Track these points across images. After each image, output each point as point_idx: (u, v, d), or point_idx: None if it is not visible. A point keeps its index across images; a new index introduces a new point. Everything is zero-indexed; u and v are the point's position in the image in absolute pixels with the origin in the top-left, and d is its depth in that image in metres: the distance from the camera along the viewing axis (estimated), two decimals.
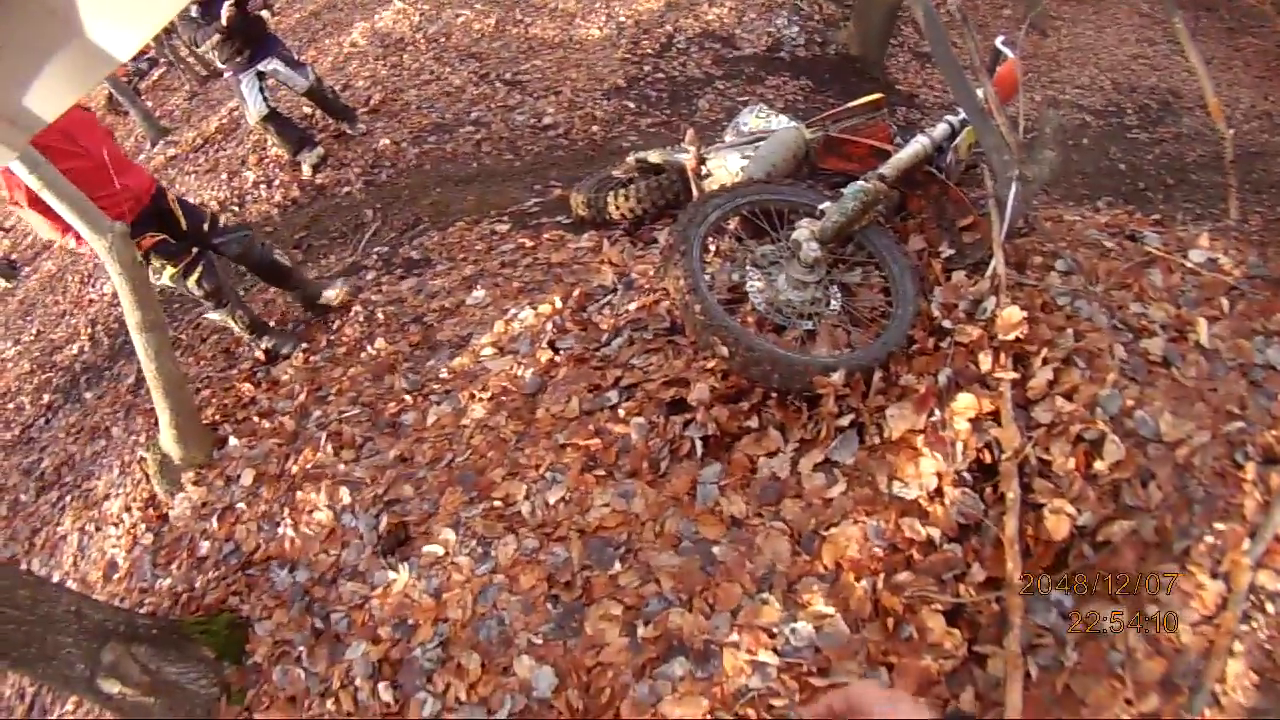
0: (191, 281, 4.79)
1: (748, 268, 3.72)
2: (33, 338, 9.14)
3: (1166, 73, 12.24)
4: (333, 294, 5.37)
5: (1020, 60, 4.21)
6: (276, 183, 8.22)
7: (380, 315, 5.00)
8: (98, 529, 5.00)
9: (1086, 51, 12.84)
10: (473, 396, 3.93)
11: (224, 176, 8.86)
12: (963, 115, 3.99)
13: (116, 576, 4.38)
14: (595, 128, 8.30)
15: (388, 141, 8.15)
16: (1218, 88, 10.01)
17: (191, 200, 6.14)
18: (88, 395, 6.96)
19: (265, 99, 7.73)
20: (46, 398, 7.68)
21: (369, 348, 4.73)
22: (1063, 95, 11.24)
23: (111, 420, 6.25)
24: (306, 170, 8.12)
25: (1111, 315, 3.20)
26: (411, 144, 8.08)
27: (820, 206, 3.70)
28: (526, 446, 3.52)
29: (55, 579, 5.02)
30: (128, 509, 4.74)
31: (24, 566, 5.54)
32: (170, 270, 4.73)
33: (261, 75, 7.64)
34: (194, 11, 7.22)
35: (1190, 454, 2.70)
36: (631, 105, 8.91)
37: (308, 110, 8.91)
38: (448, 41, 10.92)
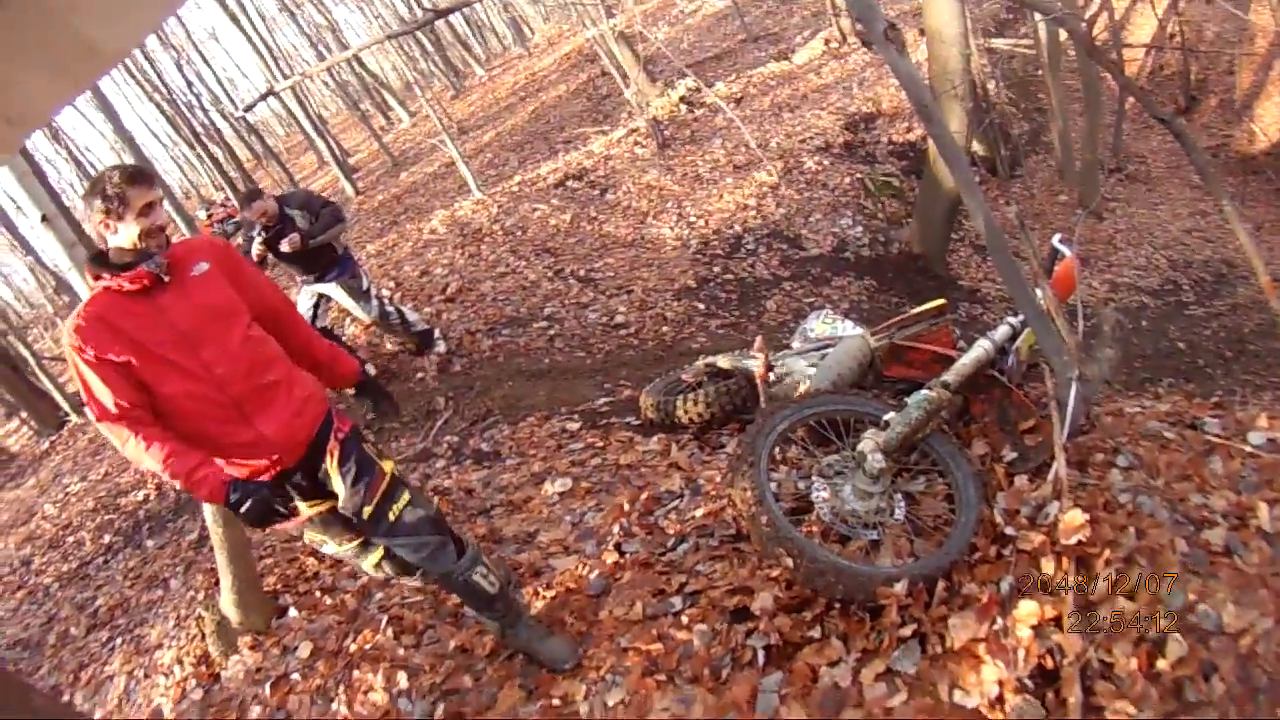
0: (370, 564, 3.69)
1: (813, 477, 3.84)
2: (99, 477, 9.44)
3: (1220, 244, 12.53)
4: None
5: (1077, 257, 4.38)
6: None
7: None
8: (146, 676, 5.10)
9: (1142, 231, 13.14)
10: (536, 594, 4.06)
11: None
12: (1023, 317, 4.14)
13: None
14: (665, 328, 8.60)
15: (463, 330, 8.47)
16: (1269, 255, 10.13)
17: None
18: (149, 543, 7.18)
19: (316, 318, 7.68)
20: (107, 538, 7.92)
21: None
22: (1120, 278, 11.49)
23: (171, 572, 6.43)
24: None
25: (1173, 509, 3.26)
26: (486, 335, 8.42)
27: (885, 416, 3.83)
28: (589, 647, 3.63)
29: (97, 715, 5.12)
30: (179, 661, 4.84)
31: (66, 699, 5.66)
32: (342, 547, 3.62)
33: (323, 298, 7.70)
34: (256, 234, 7.27)
35: (1254, 643, 2.73)
36: (701, 306, 9.22)
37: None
38: (524, 235, 11.38)
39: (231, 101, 35.09)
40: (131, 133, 16.75)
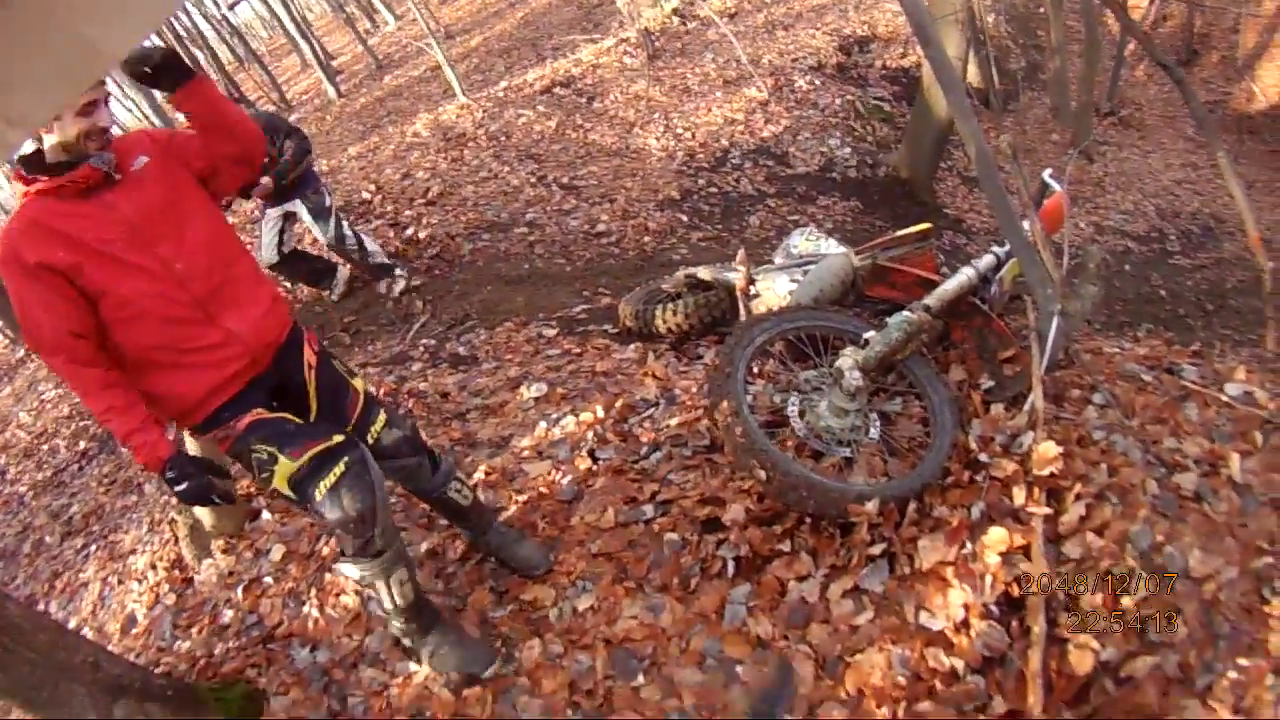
0: (322, 489, 2.87)
1: (790, 392, 3.84)
2: None
3: (1209, 198, 12.55)
4: None
5: (1066, 194, 4.34)
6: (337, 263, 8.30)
7: (423, 408, 5.15)
8: (120, 582, 5.12)
9: (1131, 176, 13.13)
10: (510, 498, 4.03)
11: None
12: (1008, 247, 4.12)
13: (134, 631, 4.46)
14: (647, 238, 8.53)
15: (443, 234, 8.38)
16: (1259, 214, 10.18)
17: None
18: (123, 449, 7.15)
19: (282, 243, 7.35)
20: (82, 444, 7.88)
21: None
22: (1107, 221, 11.52)
23: (144, 477, 6.41)
24: (335, 297, 7.91)
25: (1146, 450, 3.28)
26: (466, 239, 8.34)
27: (865, 335, 3.81)
28: (559, 552, 3.62)
29: (72, 624, 5.12)
30: (153, 566, 4.85)
31: (41, 608, 5.66)
32: (285, 466, 2.88)
33: (289, 216, 7.32)
34: None
35: (1217, 589, 2.75)
36: (684, 218, 9.16)
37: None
38: (508, 140, 11.27)
39: (214, 2, 34.31)
40: None
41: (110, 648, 4.33)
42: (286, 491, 2.91)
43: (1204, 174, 13.37)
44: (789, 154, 11.20)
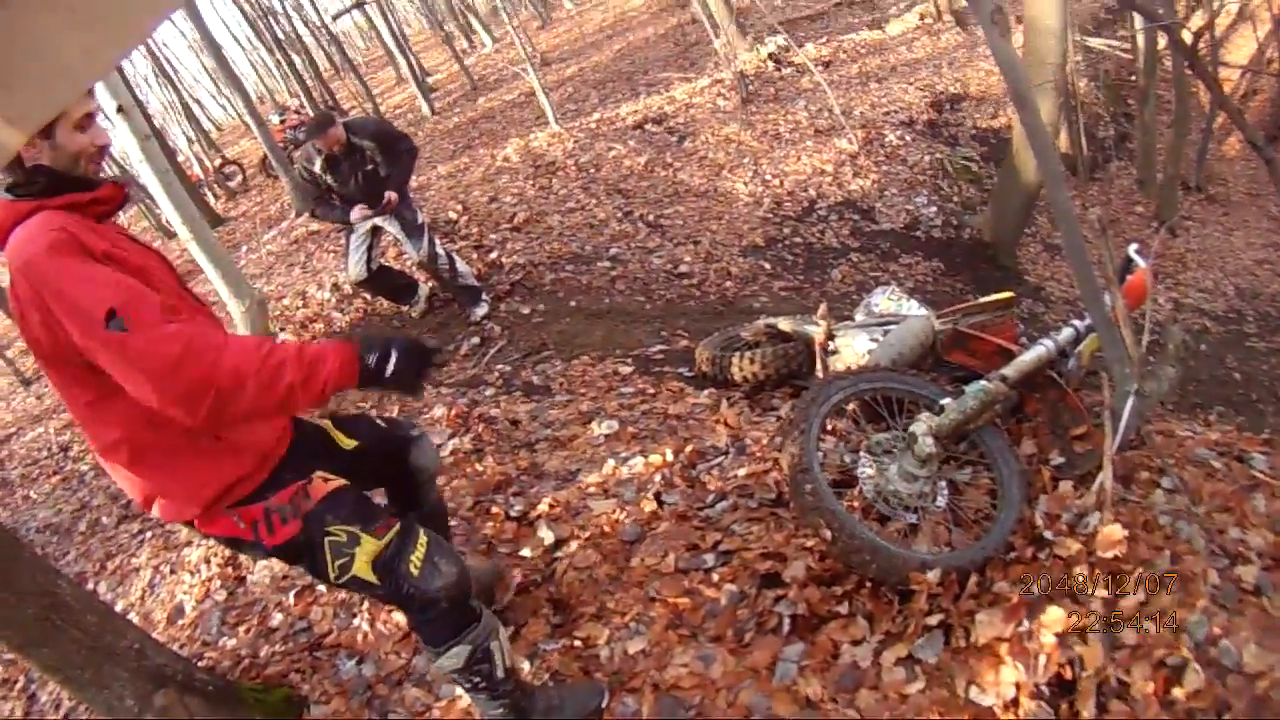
0: (415, 563, 2.61)
1: (861, 453, 3.85)
2: None
3: None
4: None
5: (1150, 270, 4.32)
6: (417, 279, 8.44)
7: (492, 434, 5.23)
8: (172, 572, 5.21)
9: (1213, 254, 13.04)
10: (572, 533, 4.09)
11: None
12: (1088, 321, 4.09)
13: (181, 622, 4.56)
14: (729, 283, 8.59)
15: (525, 261, 8.50)
16: None
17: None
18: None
19: (370, 260, 7.34)
20: None
21: (477, 464, 4.93)
22: (1186, 299, 11.42)
23: None
24: (415, 314, 8.03)
25: (1210, 539, 3.23)
26: (549, 269, 8.44)
27: (941, 401, 3.82)
28: (616, 592, 3.66)
29: (119, 607, 5.23)
30: (207, 561, 4.94)
31: (89, 587, 5.79)
32: (371, 546, 2.57)
33: (377, 230, 7.32)
34: (317, 165, 6.89)
35: (1270, 686, 2.72)
36: (767, 266, 9.21)
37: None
38: (597, 173, 11.41)
39: (315, 9, 35.10)
40: (212, 32, 16.80)
41: (155, 634, 4.44)
42: (367, 576, 2.56)
43: None
44: (875, 209, 11.24)
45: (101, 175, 2.42)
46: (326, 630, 3.98)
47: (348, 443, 2.82)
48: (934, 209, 11.41)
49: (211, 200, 21.36)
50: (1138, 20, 13.57)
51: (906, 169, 12.25)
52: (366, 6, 25.14)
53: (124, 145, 5.41)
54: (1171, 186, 13.39)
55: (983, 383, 3.79)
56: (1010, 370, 3.92)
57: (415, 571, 2.59)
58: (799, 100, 14.50)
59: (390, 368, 2.35)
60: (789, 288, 8.88)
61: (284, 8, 30.71)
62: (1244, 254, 13.24)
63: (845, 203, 11.23)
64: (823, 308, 5.05)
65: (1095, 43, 16.90)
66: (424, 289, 7.99)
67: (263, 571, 4.51)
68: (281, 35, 28.33)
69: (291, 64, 26.00)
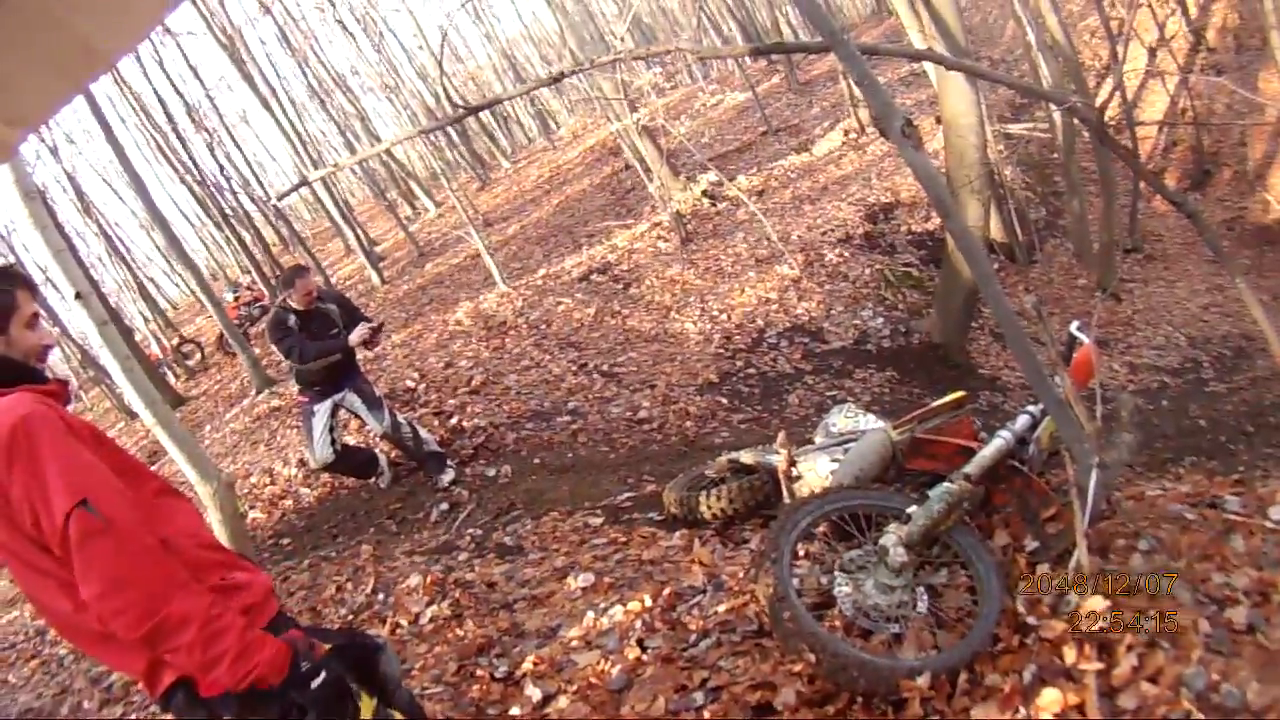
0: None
1: (835, 572, 3.92)
2: None
3: (1238, 318, 12.67)
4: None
5: (1095, 342, 4.47)
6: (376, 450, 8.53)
7: (470, 599, 5.27)
8: None
9: (1159, 310, 13.39)
10: (559, 688, 4.13)
11: None
12: (1043, 405, 4.22)
13: None
14: (689, 423, 8.72)
15: (486, 424, 8.60)
16: None
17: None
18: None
19: (334, 440, 7.34)
20: None
21: (457, 628, 4.96)
22: (1140, 359, 11.70)
23: None
24: (384, 484, 8.06)
25: (1195, 590, 3.31)
26: (510, 428, 8.55)
27: (907, 510, 3.90)
28: None
29: None
30: None
31: None
32: (368, 706, 2.61)
33: (335, 409, 7.34)
34: (290, 320, 6.94)
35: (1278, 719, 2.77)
36: (724, 401, 9.36)
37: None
38: (548, 328, 11.61)
39: (260, 185, 35.69)
40: (162, 211, 17.14)
41: None
42: None
43: (1230, 294, 13.39)
44: (823, 329, 11.46)
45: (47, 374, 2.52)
46: None
47: (320, 646, 2.75)
48: (880, 320, 11.66)
49: (172, 379, 21.32)
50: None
51: (849, 285, 12.56)
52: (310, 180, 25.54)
53: (83, 330, 5.53)
54: (1109, 253, 13.75)
55: (946, 485, 3.89)
56: (972, 468, 4.05)
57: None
58: (737, 232, 14.89)
59: (316, 683, 2.42)
60: (748, 419, 9.02)
61: (229, 185, 31.14)
62: (1189, 303, 13.61)
63: (794, 328, 11.45)
64: (781, 436, 5.18)
65: (1015, 129, 17.54)
66: (383, 457, 8.06)
67: None
68: (229, 211, 28.66)
69: (240, 239, 26.27)
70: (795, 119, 22.99)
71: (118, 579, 2.17)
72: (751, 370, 10.36)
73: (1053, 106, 13.84)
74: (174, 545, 2.37)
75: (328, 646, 2.61)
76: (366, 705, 2.63)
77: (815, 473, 5.03)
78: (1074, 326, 4.69)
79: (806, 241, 13.78)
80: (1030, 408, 4.45)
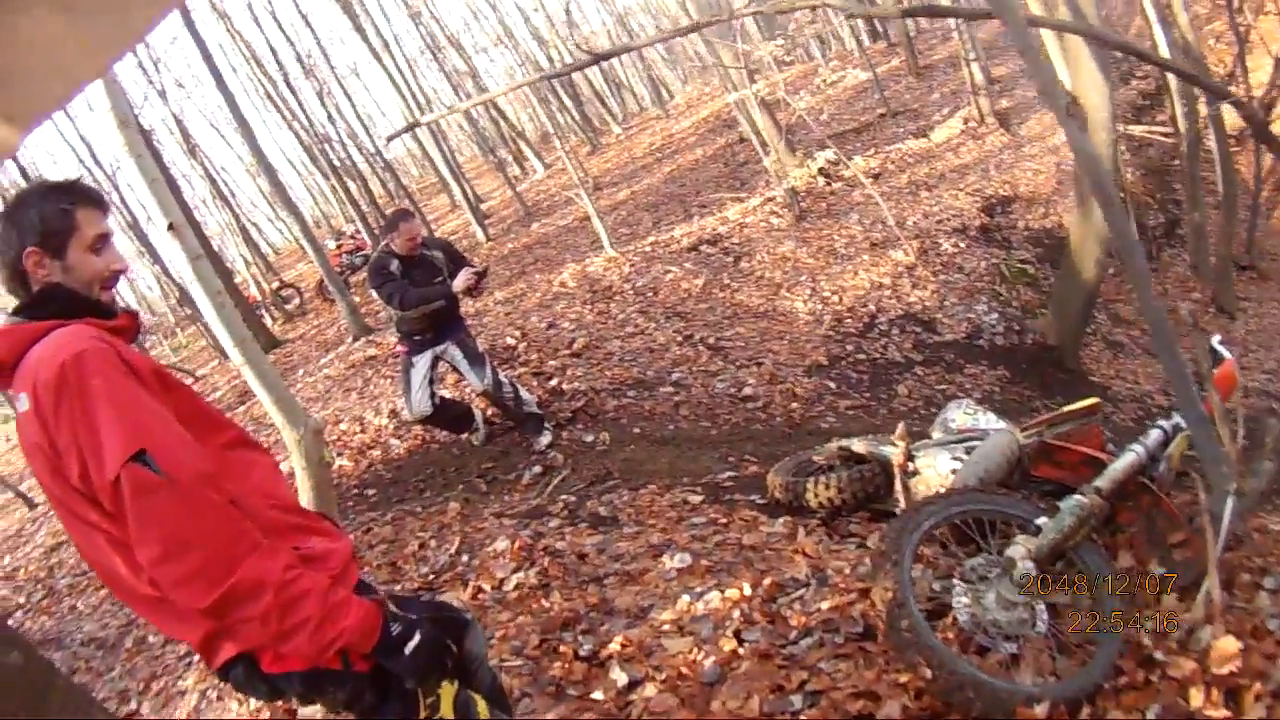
0: (482, 710, 2.53)
1: (954, 580, 3.68)
2: None
3: None
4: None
5: (1236, 361, 4.19)
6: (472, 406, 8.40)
7: (559, 569, 5.07)
8: (219, 698, 5.03)
9: (1273, 332, 12.81)
10: (646, 674, 3.90)
11: None
12: (1175, 420, 4.03)
13: None
14: (795, 405, 8.44)
15: (586, 388, 8.42)
16: None
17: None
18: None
19: (434, 393, 7.20)
20: None
21: (543, 599, 4.76)
22: (1250, 382, 11.07)
23: None
24: (478, 441, 7.92)
25: None
26: (611, 395, 8.35)
27: (1036, 521, 3.65)
28: None
29: None
30: None
31: (132, 706, 5.72)
32: (449, 686, 2.39)
33: (435, 362, 7.20)
34: (393, 265, 6.79)
35: None
36: (832, 385, 9.07)
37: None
38: (655, 297, 11.39)
39: (370, 137, 35.95)
40: (268, 157, 17.28)
41: None
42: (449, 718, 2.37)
43: None
44: (936, 320, 11.12)
45: (117, 304, 2.30)
46: None
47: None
48: (995, 316, 11.29)
49: (269, 322, 21.65)
50: (1178, 103, 13.62)
51: (964, 277, 12.19)
52: (421, 136, 25.56)
53: (176, 264, 5.35)
54: (1226, 269, 13.33)
55: (1077, 497, 3.67)
56: (1104, 481, 3.81)
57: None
58: (852, 214, 14.53)
59: (409, 648, 2.19)
60: (855, 406, 8.73)
61: (339, 135, 31.46)
62: None
63: (906, 315, 11.13)
64: (900, 428, 4.91)
65: (1137, 130, 16.90)
66: (479, 414, 7.88)
67: (314, 709, 4.32)
68: (337, 162, 28.94)
69: (346, 189, 26.47)
70: (914, 103, 22.44)
71: (179, 541, 1.92)
72: (861, 356, 10.05)
73: (1179, 108, 13.31)
74: (245, 505, 2.10)
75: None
76: (447, 692, 2.38)
77: (935, 470, 4.76)
78: (1215, 340, 4.40)
79: (922, 229, 13.41)
80: (1162, 422, 4.17)
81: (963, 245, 12.97)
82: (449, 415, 7.66)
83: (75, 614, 7.68)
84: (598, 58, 4.85)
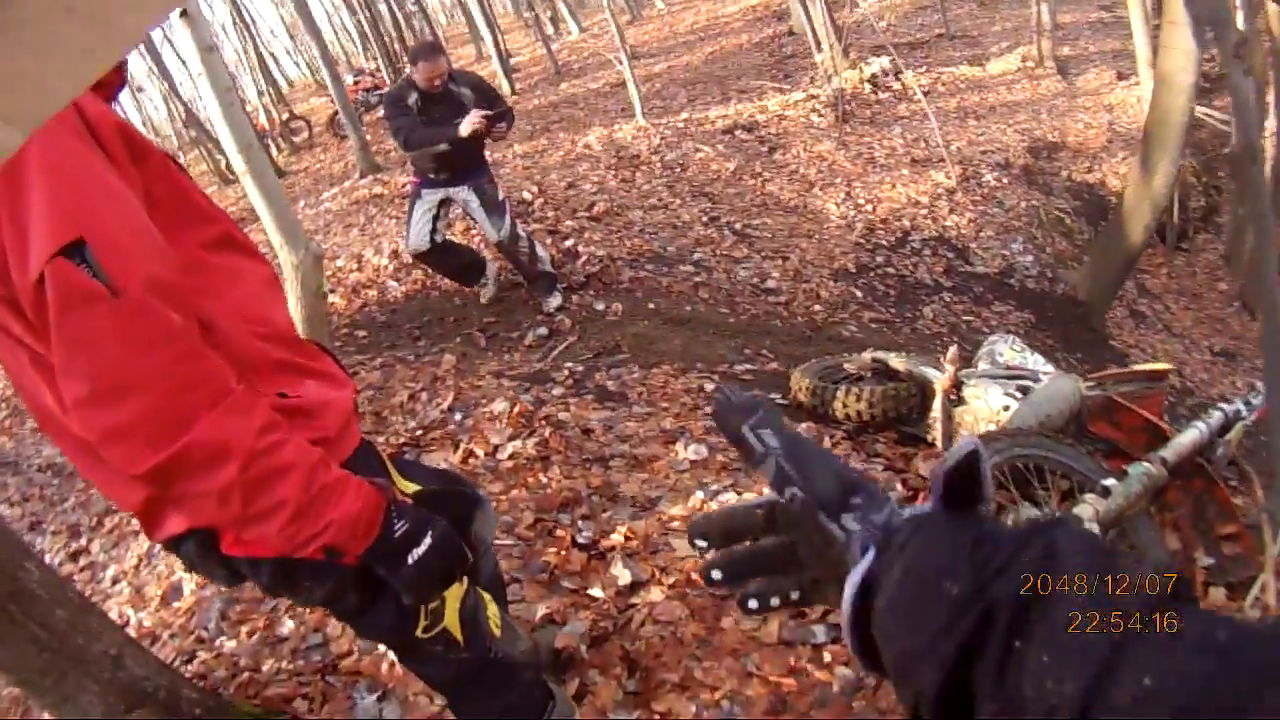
0: (494, 620, 2.10)
1: None
2: None
3: None
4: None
5: None
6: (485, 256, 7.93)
7: (560, 441, 4.61)
8: None
9: None
10: (652, 576, 3.47)
11: None
12: (1237, 406, 3.88)
13: (177, 606, 3.92)
14: (818, 307, 8.00)
15: (603, 254, 7.93)
16: None
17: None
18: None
19: (434, 231, 6.69)
20: None
21: (541, 474, 4.31)
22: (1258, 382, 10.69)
23: None
24: (484, 298, 7.40)
25: None
26: (628, 266, 7.88)
27: (1104, 482, 3.33)
28: (706, 659, 3.04)
29: (110, 572, 4.71)
30: None
31: (82, 542, 5.32)
32: (456, 588, 1.96)
33: (445, 203, 6.71)
34: (411, 98, 6.33)
35: None
36: (858, 294, 8.63)
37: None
38: (683, 173, 10.93)
39: None
40: None
41: (143, 616, 3.90)
42: (455, 631, 1.94)
43: None
44: (970, 249, 10.66)
45: None
46: (345, 651, 3.30)
47: (406, 486, 2.03)
48: (1030, 258, 10.86)
49: (275, 153, 21.14)
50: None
51: (1003, 212, 11.72)
52: None
53: (185, 54, 4.70)
54: (1261, 265, 12.74)
55: (1144, 465, 3.42)
56: (1169, 453, 3.55)
57: (498, 632, 1.99)
58: (895, 127, 14.03)
59: (415, 555, 1.68)
60: (879, 319, 8.29)
61: None
62: None
63: (940, 239, 10.66)
64: (953, 351, 4.51)
65: (1197, 110, 16.35)
66: (493, 268, 7.34)
67: None
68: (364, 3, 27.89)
69: (376, 26, 25.52)
70: (974, 30, 21.74)
71: (115, 379, 1.38)
72: (890, 270, 9.58)
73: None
74: (221, 330, 1.56)
75: (415, 489, 1.93)
76: (453, 594, 1.90)
77: (985, 403, 4.35)
78: None
79: (966, 156, 12.91)
80: (1224, 405, 3.95)
81: (1005, 181, 12.47)
82: (453, 260, 7.14)
83: (36, 435, 7.25)
84: None
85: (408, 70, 6.56)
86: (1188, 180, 14.76)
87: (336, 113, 18.46)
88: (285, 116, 24.56)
